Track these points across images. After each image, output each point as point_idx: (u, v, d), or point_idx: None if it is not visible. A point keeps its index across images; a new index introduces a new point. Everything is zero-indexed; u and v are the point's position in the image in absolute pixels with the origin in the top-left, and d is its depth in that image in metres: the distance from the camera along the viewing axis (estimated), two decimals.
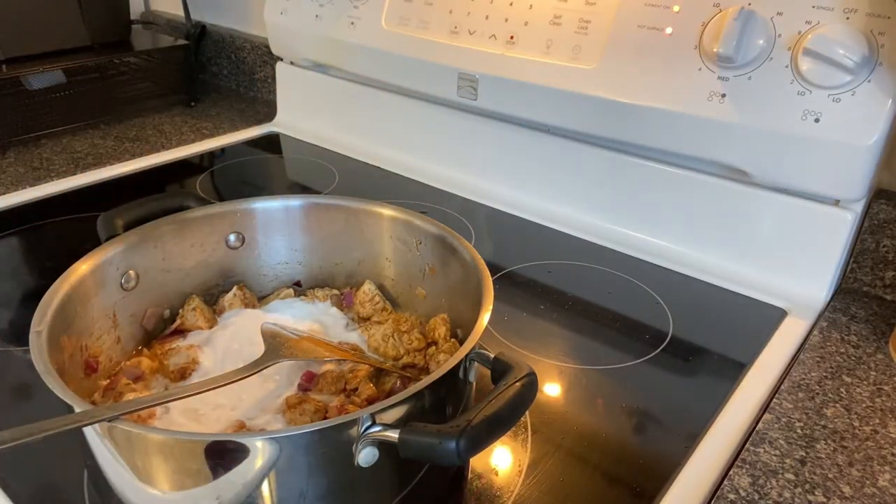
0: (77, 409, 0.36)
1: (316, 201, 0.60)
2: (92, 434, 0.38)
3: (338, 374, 0.50)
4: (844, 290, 0.70)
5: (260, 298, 0.61)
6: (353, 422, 0.36)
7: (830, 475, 0.47)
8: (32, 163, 0.94)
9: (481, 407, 0.36)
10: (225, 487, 0.36)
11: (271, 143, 1.07)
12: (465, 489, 0.46)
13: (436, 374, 0.39)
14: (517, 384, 0.38)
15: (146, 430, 0.37)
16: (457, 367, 0.41)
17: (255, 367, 0.45)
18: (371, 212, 0.60)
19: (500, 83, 0.80)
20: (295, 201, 0.60)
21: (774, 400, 0.54)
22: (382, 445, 0.37)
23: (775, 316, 0.66)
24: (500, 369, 0.41)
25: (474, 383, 0.46)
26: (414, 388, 0.38)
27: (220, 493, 0.37)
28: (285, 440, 0.36)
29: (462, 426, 0.35)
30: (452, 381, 0.43)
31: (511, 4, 0.79)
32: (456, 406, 0.44)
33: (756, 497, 0.45)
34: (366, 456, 0.36)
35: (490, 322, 0.44)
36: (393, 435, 0.36)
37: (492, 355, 0.42)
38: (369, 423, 0.36)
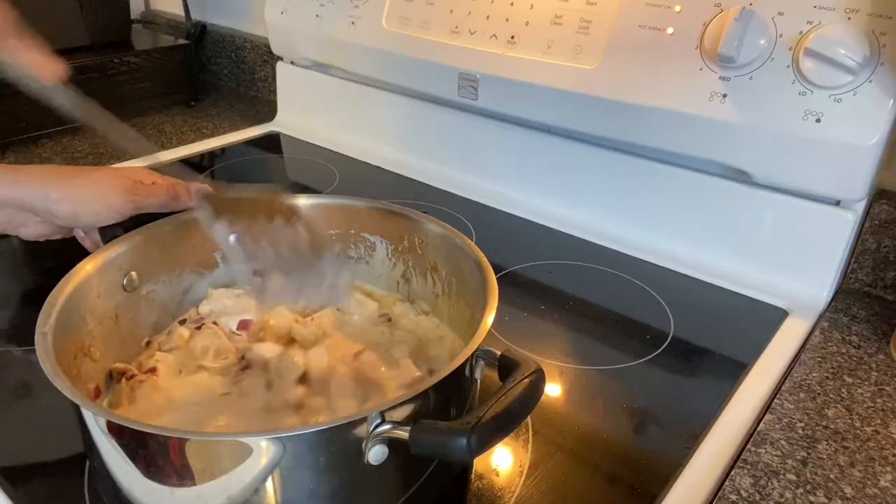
0: (84, 409, 0.36)
1: (317, 201, 0.60)
2: (98, 433, 0.38)
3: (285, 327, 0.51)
4: (845, 291, 0.70)
5: None
6: (363, 420, 0.36)
7: (832, 476, 0.47)
8: (32, 162, 0.94)
9: (491, 404, 0.36)
10: (235, 485, 0.36)
11: (271, 143, 1.06)
12: (469, 488, 0.46)
13: (443, 372, 0.39)
14: (525, 380, 0.38)
15: (154, 429, 0.37)
16: (463, 364, 0.41)
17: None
18: (372, 211, 0.60)
19: (500, 83, 0.80)
20: (296, 201, 0.60)
21: (776, 400, 0.54)
22: (392, 443, 0.37)
23: (776, 316, 0.66)
24: (507, 366, 0.41)
25: (479, 381, 0.46)
26: (422, 385, 0.38)
27: (230, 492, 0.37)
28: (297, 439, 0.36)
29: (473, 423, 0.35)
30: (459, 379, 0.43)
31: (512, 4, 0.79)
32: (461, 403, 0.44)
33: (757, 497, 0.45)
34: (376, 454, 0.37)
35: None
36: (403, 433, 0.36)
37: (498, 352, 0.42)
38: (379, 421, 0.36)
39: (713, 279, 0.71)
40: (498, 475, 0.47)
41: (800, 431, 0.51)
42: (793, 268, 0.69)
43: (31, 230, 0.57)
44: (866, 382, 0.57)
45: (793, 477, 0.47)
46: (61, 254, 0.60)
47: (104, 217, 0.54)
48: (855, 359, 0.60)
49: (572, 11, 0.75)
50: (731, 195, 0.71)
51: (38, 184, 0.53)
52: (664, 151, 0.73)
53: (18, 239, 0.58)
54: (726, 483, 0.46)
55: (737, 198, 0.70)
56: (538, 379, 0.39)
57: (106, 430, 0.37)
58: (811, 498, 0.45)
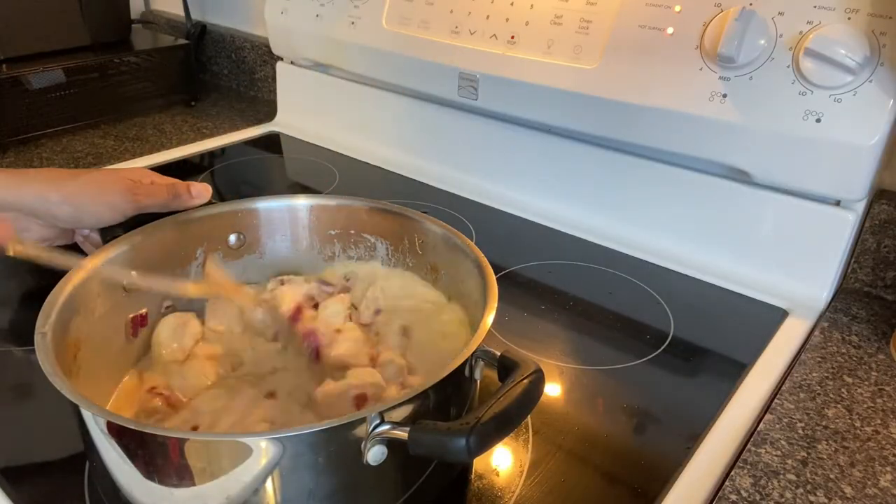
0: (84, 409, 0.36)
1: (317, 201, 0.60)
2: (98, 433, 0.38)
3: None
4: (845, 291, 0.70)
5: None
6: (362, 420, 0.36)
7: (832, 476, 0.47)
8: (32, 163, 0.94)
9: (490, 404, 0.36)
10: (234, 486, 0.36)
11: (271, 143, 1.06)
12: (469, 488, 0.46)
13: (443, 373, 0.39)
14: (524, 381, 0.38)
15: (153, 429, 0.37)
16: (463, 365, 0.41)
17: None
18: (372, 211, 0.60)
19: (500, 83, 0.80)
20: (296, 201, 0.60)
21: (776, 400, 0.54)
22: (391, 444, 0.37)
23: (776, 316, 0.66)
24: (506, 367, 0.41)
25: (479, 381, 0.46)
26: (421, 386, 0.38)
27: (229, 492, 0.37)
28: (296, 439, 0.36)
29: (472, 423, 0.35)
30: (459, 379, 0.43)
31: (512, 4, 0.79)
32: (461, 404, 0.44)
33: (757, 497, 0.45)
34: (375, 454, 0.37)
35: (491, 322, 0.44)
36: (402, 433, 0.36)
37: (497, 353, 0.42)
38: (378, 422, 0.36)
39: (713, 279, 0.71)
40: (498, 475, 0.47)
41: (800, 431, 0.51)
42: (793, 268, 0.69)
43: (33, 235, 0.57)
44: (866, 382, 0.57)
45: (793, 477, 0.47)
46: None
47: (105, 218, 0.54)
48: (855, 359, 0.60)
49: (572, 11, 0.75)
50: (731, 195, 0.71)
51: (39, 186, 0.53)
52: (664, 151, 0.73)
53: None
54: (726, 483, 0.46)
55: (737, 198, 0.70)
56: (537, 380, 0.39)
57: (106, 430, 0.37)
58: (811, 498, 0.45)
